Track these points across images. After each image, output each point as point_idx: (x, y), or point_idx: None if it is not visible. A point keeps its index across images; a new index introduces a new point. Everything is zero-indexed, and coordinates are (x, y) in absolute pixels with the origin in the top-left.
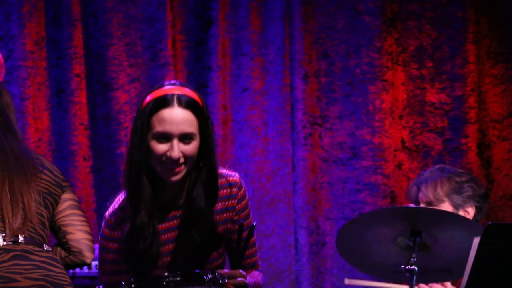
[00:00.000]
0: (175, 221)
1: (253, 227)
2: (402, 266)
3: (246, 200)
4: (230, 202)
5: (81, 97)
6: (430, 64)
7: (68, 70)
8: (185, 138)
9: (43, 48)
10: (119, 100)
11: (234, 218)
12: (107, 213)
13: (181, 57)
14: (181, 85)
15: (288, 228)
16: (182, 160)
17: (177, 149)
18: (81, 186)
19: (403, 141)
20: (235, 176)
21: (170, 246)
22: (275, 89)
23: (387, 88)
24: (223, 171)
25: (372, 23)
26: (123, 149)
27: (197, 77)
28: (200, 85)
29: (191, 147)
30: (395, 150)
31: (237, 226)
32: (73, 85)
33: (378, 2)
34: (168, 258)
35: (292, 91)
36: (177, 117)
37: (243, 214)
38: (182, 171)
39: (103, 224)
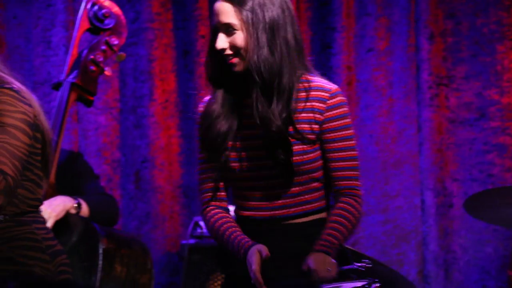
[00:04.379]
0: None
1: None
2: None
3: (339, 112)
4: (317, 104)
5: None
6: None
7: (194, 32)
8: (226, 29)
9: (169, 10)
10: None
11: (319, 120)
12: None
13: (305, 18)
14: None
15: (414, 190)
16: (229, 51)
17: (220, 40)
18: None
19: None
20: (333, 85)
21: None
22: (400, 50)
23: None
24: (323, 80)
25: None
26: None
27: (321, 37)
28: (324, 46)
29: (233, 38)
30: None
31: (317, 127)
32: (199, 47)
33: None
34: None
35: (417, 51)
36: (217, 9)
37: (333, 125)
38: (238, 63)
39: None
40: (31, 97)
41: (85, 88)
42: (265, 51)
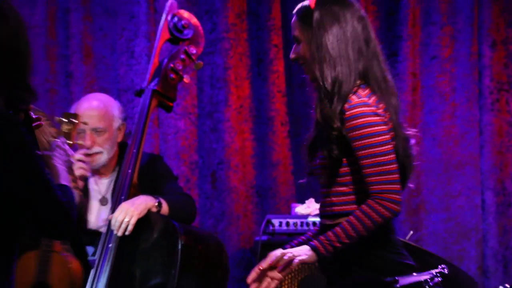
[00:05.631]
0: None
1: None
2: None
3: (356, 123)
4: (340, 116)
5: (279, 66)
6: None
7: (267, 41)
8: (296, 40)
9: (244, 20)
10: None
11: (343, 132)
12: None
13: (373, 27)
14: None
15: (475, 189)
16: (300, 61)
17: (292, 51)
18: (279, 150)
19: None
20: (358, 99)
21: None
22: (463, 57)
23: None
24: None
25: None
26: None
27: (388, 45)
28: (390, 54)
29: (299, 49)
30: None
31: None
32: (272, 55)
33: None
34: None
35: (479, 58)
36: (291, 22)
37: (353, 135)
38: (306, 71)
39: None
40: None
41: (166, 94)
42: (323, 65)
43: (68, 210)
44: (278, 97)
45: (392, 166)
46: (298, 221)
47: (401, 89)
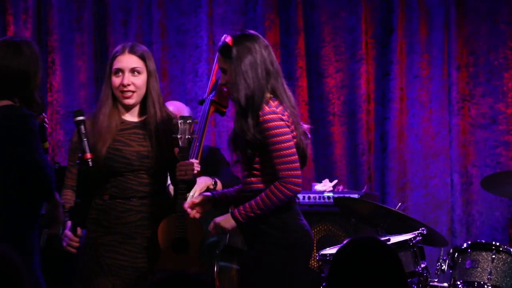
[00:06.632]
0: None
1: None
2: None
3: (267, 126)
4: (256, 120)
5: (302, 82)
6: None
7: (294, 64)
8: (222, 70)
9: (278, 49)
10: (328, 84)
11: (256, 135)
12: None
13: (371, 55)
14: None
15: (446, 172)
16: (227, 85)
17: (221, 77)
18: None
19: None
20: (268, 108)
21: None
22: (437, 76)
23: None
24: (272, 103)
25: (506, 29)
26: (331, 118)
27: (383, 68)
28: (384, 74)
29: (225, 76)
30: None
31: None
32: (298, 74)
33: (510, 15)
34: None
35: (449, 77)
36: (216, 57)
37: (266, 134)
38: (229, 92)
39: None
40: None
41: (220, 103)
42: (240, 86)
43: (49, 177)
44: (302, 105)
45: (293, 157)
46: (317, 195)
47: (391, 100)
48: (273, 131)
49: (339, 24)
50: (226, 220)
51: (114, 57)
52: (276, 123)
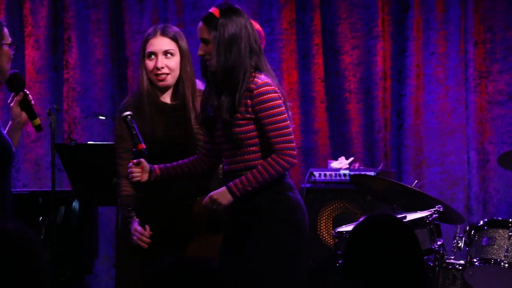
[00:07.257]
0: None
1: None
2: None
3: (262, 98)
4: (248, 93)
5: (319, 59)
6: None
7: (310, 41)
8: (203, 41)
9: (293, 26)
10: (344, 61)
11: (249, 104)
12: None
13: (388, 31)
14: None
15: (462, 150)
16: (207, 57)
17: (199, 48)
18: (319, 121)
19: None
20: (261, 80)
21: None
22: (454, 53)
23: None
24: (262, 77)
25: None
26: (347, 95)
27: (399, 45)
28: (400, 51)
29: (207, 47)
30: None
31: (250, 109)
32: (314, 51)
33: None
34: None
35: (465, 54)
36: (198, 27)
37: (260, 107)
38: (210, 64)
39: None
40: None
41: None
42: (221, 57)
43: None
44: (318, 82)
45: (289, 129)
46: (333, 173)
47: (408, 77)
48: (269, 104)
49: (355, 0)
50: (222, 195)
51: (147, 40)
52: (271, 95)
